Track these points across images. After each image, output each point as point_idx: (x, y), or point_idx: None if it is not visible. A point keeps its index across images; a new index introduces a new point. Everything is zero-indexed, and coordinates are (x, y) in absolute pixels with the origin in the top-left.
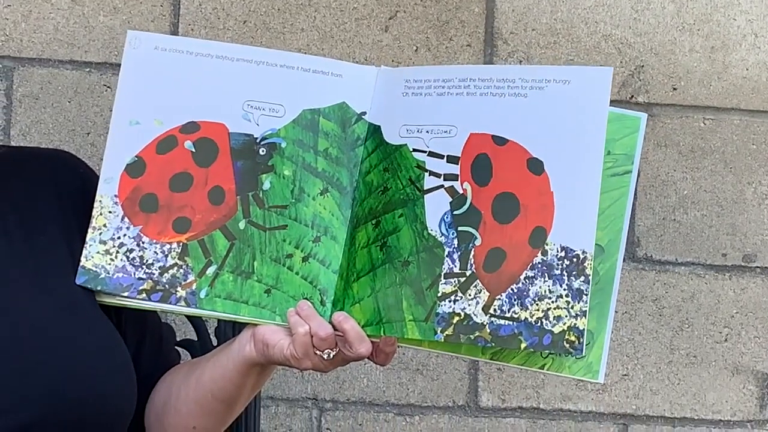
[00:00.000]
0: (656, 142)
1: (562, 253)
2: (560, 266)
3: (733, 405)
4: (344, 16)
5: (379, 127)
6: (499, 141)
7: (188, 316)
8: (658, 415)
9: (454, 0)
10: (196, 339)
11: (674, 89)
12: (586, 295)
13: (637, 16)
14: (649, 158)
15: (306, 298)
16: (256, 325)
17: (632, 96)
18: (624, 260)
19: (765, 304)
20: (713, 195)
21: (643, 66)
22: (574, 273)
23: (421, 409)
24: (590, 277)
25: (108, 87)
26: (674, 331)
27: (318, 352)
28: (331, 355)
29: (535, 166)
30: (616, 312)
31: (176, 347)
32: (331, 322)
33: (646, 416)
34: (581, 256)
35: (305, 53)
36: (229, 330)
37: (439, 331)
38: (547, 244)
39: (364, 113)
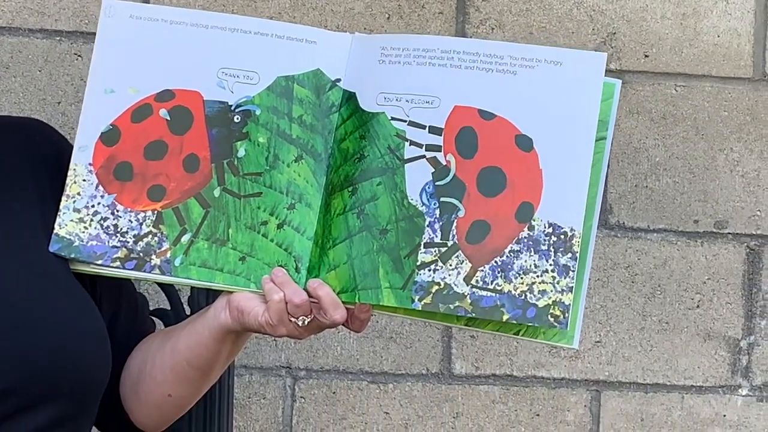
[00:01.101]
0: (628, 109)
1: (550, 230)
2: (547, 242)
3: (705, 371)
4: None
5: (354, 94)
6: (486, 115)
7: (161, 285)
8: (631, 382)
9: None
10: (169, 308)
11: (646, 56)
12: (573, 271)
13: None
14: (621, 125)
15: (281, 266)
16: (231, 292)
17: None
18: (596, 227)
19: (736, 270)
20: (685, 162)
21: (614, 33)
22: (561, 249)
23: (394, 377)
24: (578, 254)
25: (79, 56)
26: (646, 298)
27: (292, 319)
28: (306, 322)
29: (524, 143)
30: (588, 279)
31: (150, 317)
32: (306, 289)
33: (619, 383)
34: (569, 234)
35: (277, 21)
36: (203, 299)
37: (416, 300)
38: (534, 220)
39: (339, 80)
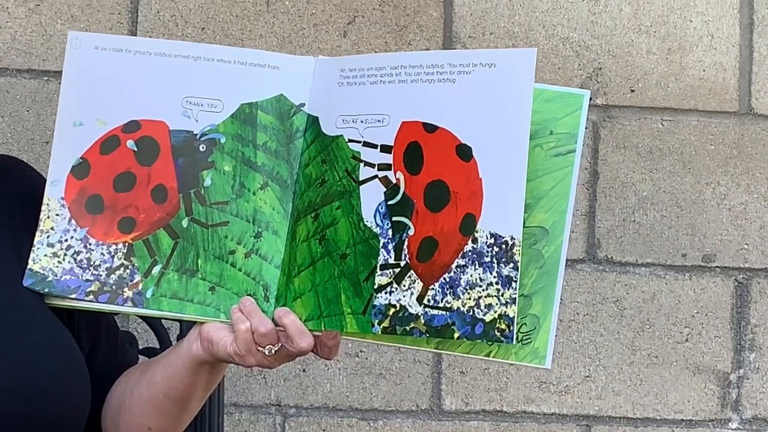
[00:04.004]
0: (615, 143)
1: (492, 240)
2: (490, 253)
3: (695, 404)
4: (302, 21)
5: (318, 118)
6: (430, 128)
7: (149, 323)
8: (621, 416)
9: (412, 4)
10: (158, 347)
11: (632, 91)
12: (515, 281)
13: (594, 18)
14: (608, 160)
15: (249, 294)
16: (203, 323)
17: (590, 98)
18: (584, 262)
19: (725, 304)
20: (672, 196)
21: (600, 68)
22: (503, 260)
23: (384, 414)
24: (519, 264)
25: None
26: (635, 332)
27: (260, 348)
28: (273, 351)
29: (464, 153)
30: (576, 313)
31: (132, 349)
32: (273, 318)
33: (609, 417)
34: (510, 243)
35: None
36: None
37: (376, 324)
38: (477, 232)
39: (303, 104)
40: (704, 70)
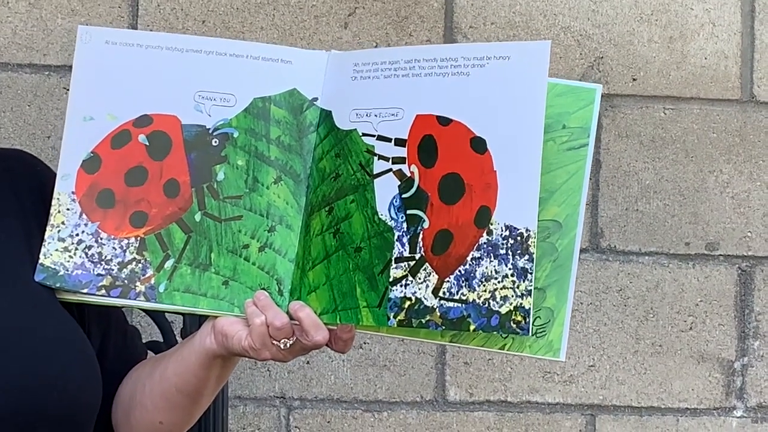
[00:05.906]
0: (617, 133)
1: (507, 232)
2: (505, 245)
3: (700, 393)
4: (303, 13)
5: (331, 112)
6: (444, 121)
7: (153, 317)
8: (625, 405)
9: None
10: (162, 340)
11: (634, 80)
12: (531, 273)
13: (595, 7)
14: (610, 149)
15: (263, 289)
16: (216, 317)
17: None
18: (588, 251)
19: (728, 292)
20: (675, 184)
21: (602, 57)
22: (518, 252)
23: (389, 405)
24: (534, 255)
25: (68, 90)
26: (639, 321)
27: (275, 342)
28: (288, 345)
29: (479, 145)
30: (580, 303)
31: (142, 344)
32: (287, 312)
33: (614, 406)
34: (525, 235)
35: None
36: (195, 329)
37: (392, 317)
38: (492, 224)
39: (316, 99)
40: (706, 58)
